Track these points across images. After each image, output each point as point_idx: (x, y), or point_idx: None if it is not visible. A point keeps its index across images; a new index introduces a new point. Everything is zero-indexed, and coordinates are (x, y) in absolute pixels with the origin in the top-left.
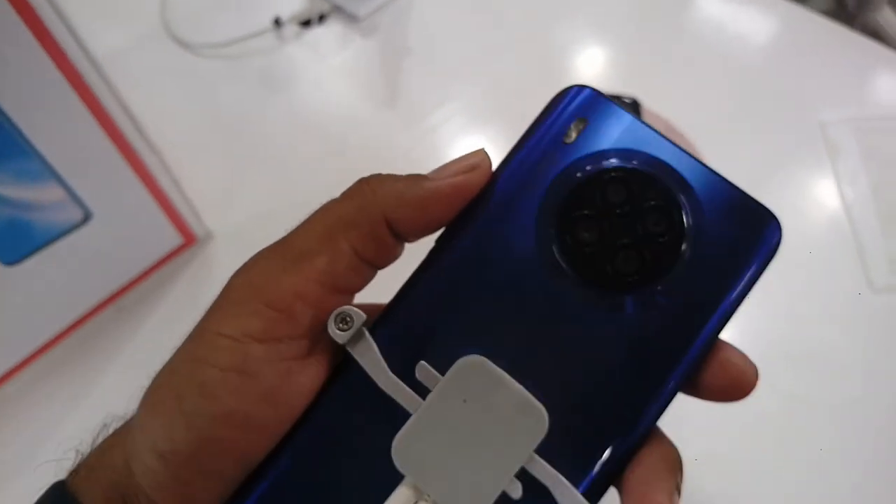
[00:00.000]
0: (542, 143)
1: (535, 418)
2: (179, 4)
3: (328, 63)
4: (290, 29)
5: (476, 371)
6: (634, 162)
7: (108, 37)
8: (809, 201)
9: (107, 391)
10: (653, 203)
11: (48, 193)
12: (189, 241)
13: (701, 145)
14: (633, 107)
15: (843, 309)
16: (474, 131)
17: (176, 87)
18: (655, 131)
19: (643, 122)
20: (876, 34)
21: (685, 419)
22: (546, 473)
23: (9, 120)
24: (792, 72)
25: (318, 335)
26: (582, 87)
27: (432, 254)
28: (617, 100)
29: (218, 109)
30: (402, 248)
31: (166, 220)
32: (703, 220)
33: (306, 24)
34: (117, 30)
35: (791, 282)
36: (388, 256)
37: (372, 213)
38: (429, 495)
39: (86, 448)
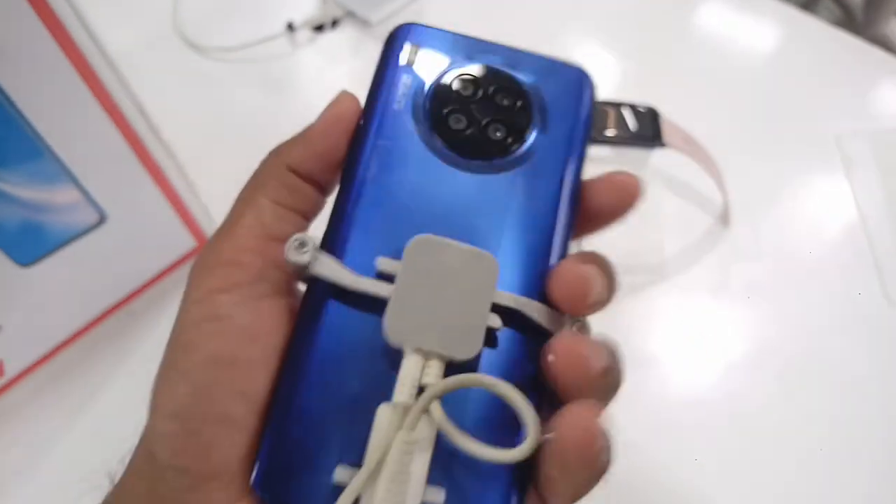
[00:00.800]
0: (393, 72)
1: (488, 262)
2: (192, 7)
3: (341, 68)
4: (303, 34)
5: (426, 244)
6: (471, 61)
7: (120, 37)
8: (825, 214)
9: (117, 394)
10: (497, 86)
11: (63, 195)
12: (202, 244)
13: (717, 156)
14: (652, 115)
15: (860, 322)
16: None
17: (188, 90)
18: (474, 38)
19: (459, 34)
20: (885, 45)
21: (697, 431)
22: (512, 300)
23: (25, 120)
24: (806, 83)
25: (273, 277)
26: (408, 25)
27: (344, 181)
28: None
29: (231, 113)
30: (321, 195)
31: (180, 223)
32: (536, 86)
33: (319, 28)
34: (129, 30)
35: (807, 295)
36: (308, 203)
37: (274, 166)
38: (432, 350)
39: (116, 470)
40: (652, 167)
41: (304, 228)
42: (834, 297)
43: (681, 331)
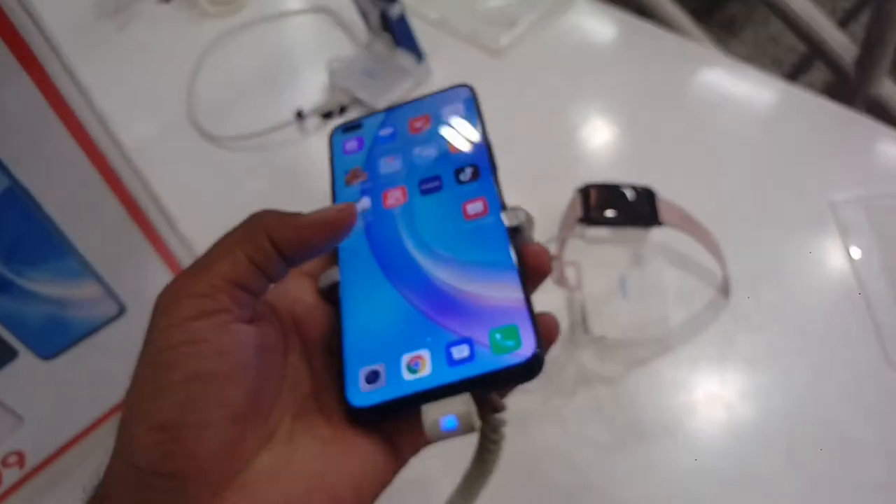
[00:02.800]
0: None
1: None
2: (205, 98)
3: None
4: (312, 121)
5: None
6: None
7: (137, 128)
8: (824, 280)
9: None
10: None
11: (85, 291)
12: None
13: (714, 228)
14: (649, 195)
15: (862, 386)
16: None
17: (201, 178)
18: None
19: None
20: (877, 105)
21: (706, 501)
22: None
23: (49, 220)
24: (798, 153)
25: (236, 312)
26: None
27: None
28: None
29: (243, 199)
30: (286, 268)
31: None
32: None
33: (328, 115)
34: (145, 121)
35: (810, 362)
36: (274, 270)
37: (257, 230)
38: None
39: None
40: (653, 242)
41: (266, 288)
42: (837, 363)
43: (688, 401)
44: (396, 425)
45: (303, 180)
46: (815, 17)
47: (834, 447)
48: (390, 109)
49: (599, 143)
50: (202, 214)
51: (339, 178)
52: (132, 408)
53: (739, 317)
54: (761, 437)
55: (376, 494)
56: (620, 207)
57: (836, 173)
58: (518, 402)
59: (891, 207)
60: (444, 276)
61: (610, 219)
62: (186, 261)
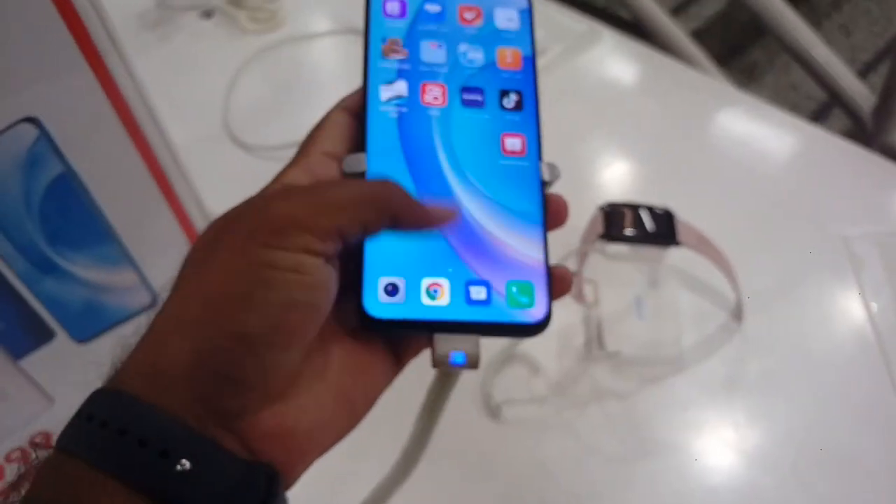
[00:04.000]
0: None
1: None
2: (241, 109)
3: None
4: None
5: None
6: None
7: (173, 134)
8: (835, 313)
9: None
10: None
11: (123, 278)
12: None
13: (730, 254)
14: (667, 217)
15: (872, 418)
16: None
17: (235, 184)
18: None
19: None
20: (894, 153)
21: None
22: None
23: (97, 208)
24: (816, 189)
25: (334, 253)
26: None
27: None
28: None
29: None
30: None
31: None
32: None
33: None
34: (182, 128)
35: (820, 389)
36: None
37: (387, 208)
38: None
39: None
40: (668, 265)
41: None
42: (845, 391)
43: (698, 421)
44: (406, 339)
45: None
46: (835, 65)
47: (840, 471)
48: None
49: (621, 169)
50: None
51: (375, 44)
52: (215, 309)
53: (751, 341)
54: (768, 458)
55: (378, 396)
56: (640, 226)
57: (851, 209)
58: (530, 411)
59: None
60: (473, 209)
61: (630, 236)
62: None
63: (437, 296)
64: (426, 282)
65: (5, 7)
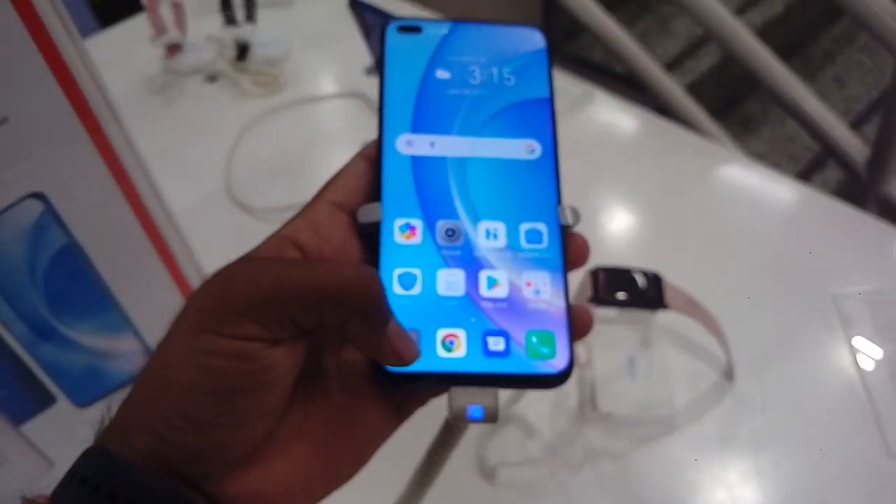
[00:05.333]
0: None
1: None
2: (242, 171)
3: None
4: None
5: None
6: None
7: (176, 197)
8: (826, 372)
9: None
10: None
11: (124, 344)
12: None
13: (721, 314)
14: (656, 280)
15: (861, 475)
16: None
17: (236, 246)
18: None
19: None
20: (890, 205)
21: None
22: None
23: (99, 278)
24: (804, 247)
25: (282, 335)
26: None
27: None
28: None
29: None
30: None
31: None
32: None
33: None
34: (184, 190)
35: (810, 447)
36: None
37: (343, 307)
38: None
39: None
40: (661, 326)
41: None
42: (837, 451)
43: (692, 481)
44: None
45: None
46: (827, 118)
47: None
48: (455, 24)
49: (614, 229)
50: None
51: (391, 89)
52: (166, 388)
53: (742, 401)
54: None
55: (369, 458)
56: (628, 290)
57: (841, 268)
58: (525, 473)
59: (892, 302)
60: (491, 257)
61: (618, 300)
62: None
63: (453, 347)
64: (442, 333)
65: (9, 80)
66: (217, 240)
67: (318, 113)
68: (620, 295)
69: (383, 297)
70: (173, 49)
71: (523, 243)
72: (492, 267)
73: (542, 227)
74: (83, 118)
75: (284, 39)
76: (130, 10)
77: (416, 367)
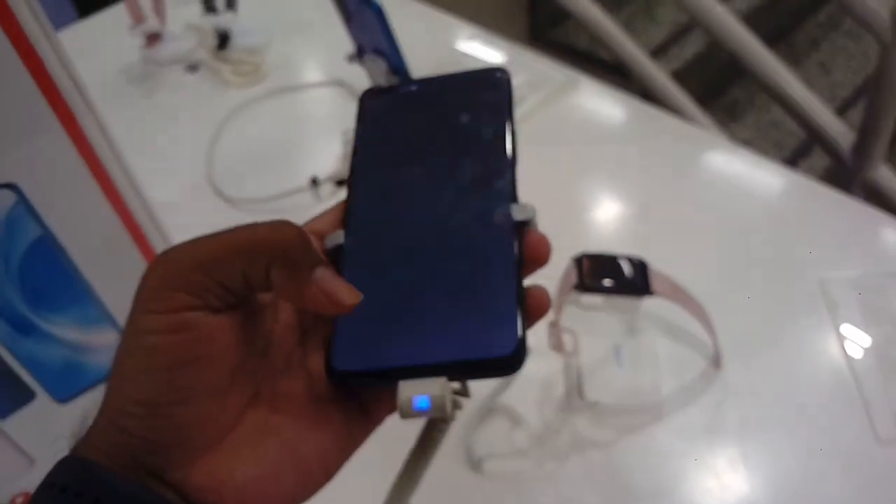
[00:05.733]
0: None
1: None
2: (224, 161)
3: None
4: (326, 188)
5: None
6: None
7: (157, 186)
8: (813, 357)
9: None
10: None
11: (103, 337)
12: None
13: (708, 301)
14: (641, 267)
15: (849, 461)
16: None
17: None
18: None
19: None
20: (874, 190)
21: None
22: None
23: (75, 269)
24: (791, 233)
25: (226, 305)
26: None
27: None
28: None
29: None
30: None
31: None
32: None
33: (341, 183)
34: (166, 181)
35: (798, 433)
36: (265, 293)
37: (260, 255)
38: None
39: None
40: (647, 312)
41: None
42: (825, 436)
43: (679, 469)
44: (373, 390)
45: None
46: (812, 104)
47: None
48: (421, 80)
49: (600, 215)
50: None
51: (362, 139)
52: (119, 379)
53: (730, 387)
54: None
55: (343, 462)
56: (614, 277)
57: (827, 253)
58: (512, 464)
59: (879, 287)
60: (443, 254)
61: (603, 287)
62: None
63: (400, 342)
64: (390, 329)
65: None
66: (199, 231)
67: (301, 102)
68: (606, 282)
69: (303, 244)
70: (153, 38)
71: (474, 238)
72: (442, 263)
73: (493, 223)
74: (55, 108)
75: (265, 28)
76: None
77: (365, 365)
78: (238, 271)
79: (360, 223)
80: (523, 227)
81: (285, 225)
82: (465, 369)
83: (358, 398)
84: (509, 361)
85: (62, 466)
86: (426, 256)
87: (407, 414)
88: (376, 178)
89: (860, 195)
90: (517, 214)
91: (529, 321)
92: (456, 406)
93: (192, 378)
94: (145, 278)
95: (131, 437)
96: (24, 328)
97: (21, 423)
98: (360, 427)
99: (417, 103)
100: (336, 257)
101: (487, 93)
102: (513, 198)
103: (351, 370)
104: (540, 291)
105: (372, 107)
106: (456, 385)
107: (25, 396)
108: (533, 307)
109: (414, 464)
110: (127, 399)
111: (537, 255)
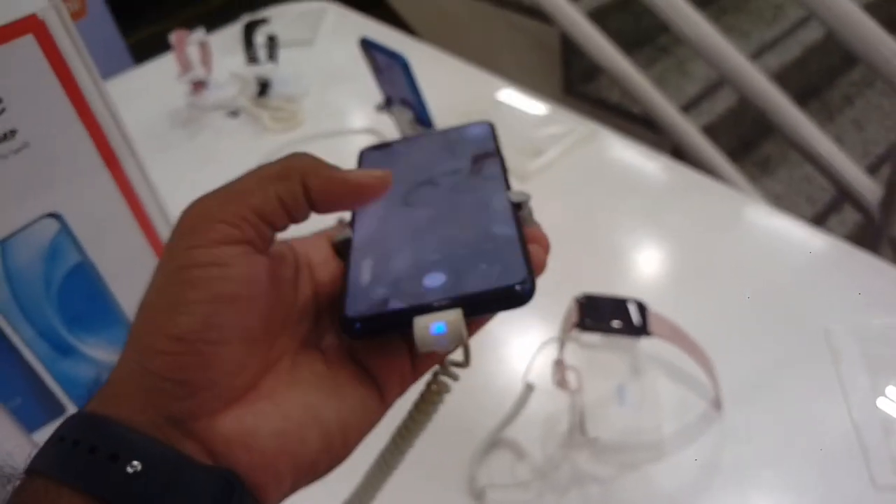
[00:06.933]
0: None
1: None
2: None
3: None
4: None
5: None
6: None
7: None
8: (815, 404)
9: None
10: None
11: None
12: None
13: (710, 344)
14: (640, 308)
15: None
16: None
17: None
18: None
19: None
20: None
21: None
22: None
23: (111, 294)
24: (795, 281)
25: (258, 243)
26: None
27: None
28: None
29: None
30: (308, 213)
31: None
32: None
33: None
34: None
35: (799, 484)
36: (299, 212)
37: (293, 172)
38: None
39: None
40: (650, 354)
41: (287, 226)
42: (823, 483)
43: None
44: (384, 362)
45: None
46: (840, 161)
47: None
48: (416, 136)
49: (606, 259)
50: None
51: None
52: (151, 318)
53: (730, 430)
54: None
55: (360, 438)
56: (613, 317)
57: (831, 303)
58: (514, 496)
59: (881, 336)
60: (447, 215)
61: (600, 326)
62: None
63: (411, 286)
64: (400, 275)
65: (33, 111)
66: None
67: (334, 148)
68: (604, 322)
69: (316, 162)
70: (198, 85)
71: (476, 209)
72: (449, 225)
73: (491, 202)
74: (101, 151)
75: (304, 78)
76: (162, 49)
77: (374, 309)
78: (272, 194)
79: (367, 222)
80: (519, 210)
81: (302, 153)
82: (477, 303)
83: (368, 374)
84: (520, 291)
85: (73, 420)
86: (432, 218)
87: (425, 342)
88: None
89: (888, 250)
90: (513, 197)
91: (536, 259)
92: (452, 376)
93: (228, 316)
94: (182, 220)
95: (160, 381)
96: (62, 348)
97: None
98: (375, 405)
99: (411, 149)
100: (345, 250)
101: (475, 136)
102: (508, 186)
103: (365, 314)
104: (538, 232)
105: (370, 157)
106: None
107: (57, 410)
108: (536, 247)
109: (404, 431)
110: (160, 335)
111: (538, 245)
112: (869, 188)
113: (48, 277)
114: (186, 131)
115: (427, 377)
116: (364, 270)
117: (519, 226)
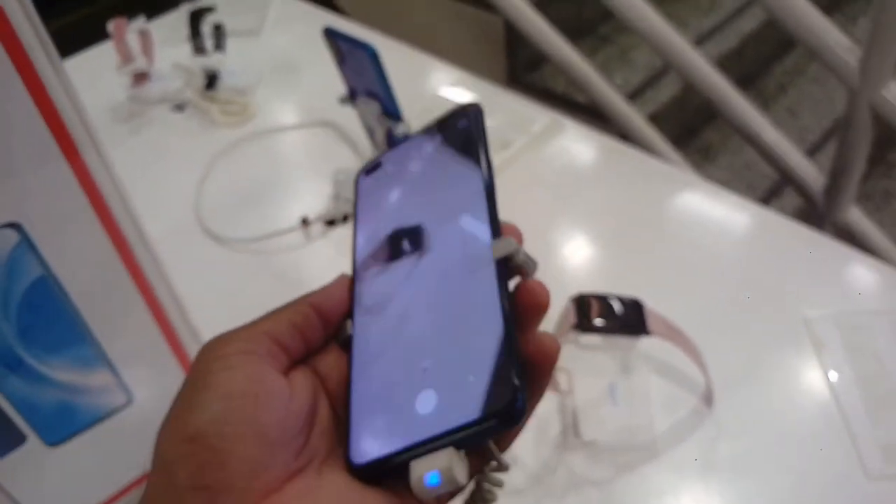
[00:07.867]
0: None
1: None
2: (213, 201)
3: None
4: (317, 228)
5: None
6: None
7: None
8: (800, 393)
9: None
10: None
11: (98, 379)
12: None
13: (696, 339)
14: (637, 306)
15: (839, 497)
16: None
17: (207, 277)
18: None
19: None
20: (845, 231)
21: None
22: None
23: (75, 309)
24: (773, 272)
25: (274, 360)
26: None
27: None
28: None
29: (248, 300)
30: (322, 334)
31: None
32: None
33: (331, 223)
34: (154, 220)
35: (789, 469)
36: (312, 333)
37: (302, 299)
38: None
39: None
40: (640, 351)
41: (304, 350)
42: (815, 473)
43: None
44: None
45: (307, 283)
46: (784, 147)
47: None
48: (402, 145)
49: (585, 256)
50: (207, 311)
51: (359, 223)
52: (168, 425)
53: (722, 424)
54: None
55: None
56: (611, 317)
57: (809, 291)
58: (509, 503)
59: (861, 324)
60: (436, 322)
61: (602, 327)
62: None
63: (405, 421)
64: (394, 411)
65: None
66: (189, 270)
67: (289, 142)
68: (603, 321)
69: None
70: (140, 77)
71: (461, 293)
72: (434, 331)
73: (475, 269)
74: (59, 140)
75: (254, 69)
76: (94, 39)
77: (373, 454)
78: (283, 318)
79: (363, 309)
80: (508, 264)
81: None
82: (466, 434)
83: (391, 485)
84: (504, 414)
85: None
86: (421, 329)
87: (422, 494)
88: (372, 263)
89: (831, 233)
90: (497, 252)
91: (536, 369)
92: (495, 483)
93: (239, 412)
94: (201, 349)
95: (185, 493)
96: (16, 368)
97: (11, 467)
98: None
99: (402, 167)
100: (348, 347)
101: (459, 135)
102: (495, 233)
103: (365, 462)
104: (534, 285)
105: (364, 187)
106: (491, 462)
107: (16, 440)
108: (526, 304)
109: None
110: (175, 439)
111: (535, 302)
112: (812, 175)
113: (5, 295)
114: (129, 126)
115: (471, 486)
116: (363, 394)
117: (506, 312)
